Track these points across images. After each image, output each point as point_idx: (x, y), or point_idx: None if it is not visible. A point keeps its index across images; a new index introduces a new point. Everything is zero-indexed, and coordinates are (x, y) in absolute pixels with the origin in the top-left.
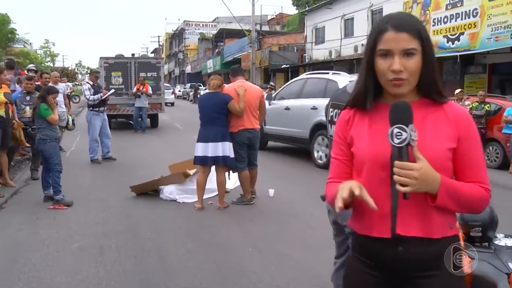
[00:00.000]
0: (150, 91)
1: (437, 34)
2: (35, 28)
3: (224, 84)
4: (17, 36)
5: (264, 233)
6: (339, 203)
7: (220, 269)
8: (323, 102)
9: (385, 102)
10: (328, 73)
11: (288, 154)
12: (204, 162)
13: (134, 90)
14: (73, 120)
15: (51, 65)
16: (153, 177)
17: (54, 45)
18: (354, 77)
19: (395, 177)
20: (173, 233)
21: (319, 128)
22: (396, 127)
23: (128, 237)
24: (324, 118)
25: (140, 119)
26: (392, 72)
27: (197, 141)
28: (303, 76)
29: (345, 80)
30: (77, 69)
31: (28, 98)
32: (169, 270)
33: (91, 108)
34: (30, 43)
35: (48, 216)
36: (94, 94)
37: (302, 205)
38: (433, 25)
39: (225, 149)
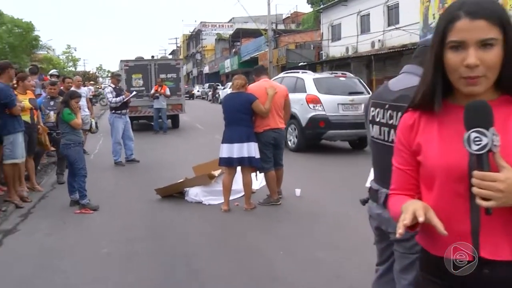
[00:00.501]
0: (168, 92)
1: None
2: (58, 34)
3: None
4: (40, 43)
5: (293, 235)
6: (400, 230)
7: (252, 277)
8: (293, 97)
9: (457, 103)
10: (298, 72)
11: (311, 151)
12: (229, 163)
13: (152, 91)
14: (96, 123)
15: (73, 69)
16: (177, 178)
17: (75, 50)
18: (318, 75)
19: (475, 189)
20: (200, 238)
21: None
22: (474, 131)
23: (155, 242)
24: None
25: (160, 120)
26: (466, 68)
27: (222, 142)
28: (280, 75)
29: (310, 77)
30: (98, 73)
31: (52, 103)
32: (199, 278)
33: (113, 111)
34: (53, 49)
35: (75, 221)
36: (116, 97)
37: (330, 204)
38: None
39: (251, 149)
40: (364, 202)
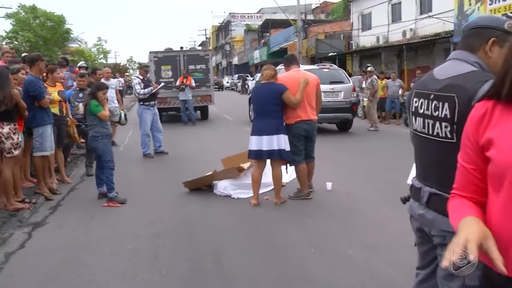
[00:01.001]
0: (193, 83)
1: (496, 13)
2: (89, 27)
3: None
4: (72, 35)
5: (324, 232)
6: (445, 263)
7: (282, 276)
8: None
9: None
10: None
11: (342, 142)
12: (259, 156)
13: (178, 83)
14: (125, 115)
15: (104, 61)
16: (205, 171)
17: (106, 42)
18: (306, 67)
19: None
20: (229, 233)
21: None
22: None
23: (182, 237)
24: None
25: (188, 111)
26: None
27: (251, 134)
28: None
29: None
30: (128, 65)
31: (81, 95)
32: (228, 276)
33: (141, 103)
34: (85, 42)
35: (102, 215)
36: (144, 88)
37: (363, 199)
38: (490, 4)
39: (281, 142)
40: (404, 200)
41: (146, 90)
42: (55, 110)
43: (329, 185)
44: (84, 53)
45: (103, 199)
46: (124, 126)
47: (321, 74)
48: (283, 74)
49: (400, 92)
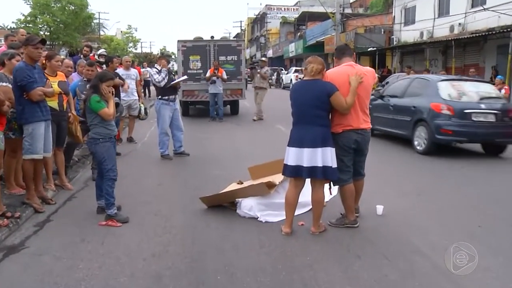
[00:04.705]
0: (224, 76)
1: None
2: (124, 16)
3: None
4: (94, 21)
5: (381, 282)
6: None
7: None
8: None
9: None
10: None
11: (393, 150)
12: (297, 173)
13: (208, 74)
14: (145, 109)
15: (134, 50)
16: (230, 179)
17: (136, 30)
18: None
19: None
20: (254, 276)
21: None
22: None
23: (191, 281)
24: None
25: (216, 105)
26: None
27: (289, 145)
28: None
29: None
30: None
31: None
32: None
33: (160, 97)
34: (107, 29)
35: (96, 238)
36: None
37: (428, 231)
38: None
39: (326, 157)
40: None
41: (160, 77)
42: (53, 103)
43: (380, 209)
44: (113, 41)
45: (102, 214)
46: (147, 120)
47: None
48: (332, 69)
49: None
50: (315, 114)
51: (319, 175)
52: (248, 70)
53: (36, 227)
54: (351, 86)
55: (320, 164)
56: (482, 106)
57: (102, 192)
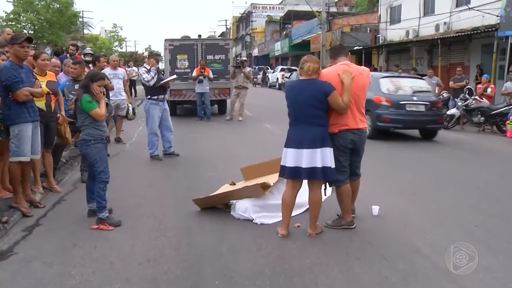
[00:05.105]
0: (211, 75)
1: None
2: (108, 15)
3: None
4: (80, 20)
5: (382, 284)
6: None
7: None
8: None
9: None
10: None
11: (381, 148)
12: (296, 175)
13: (194, 74)
14: (133, 109)
15: (119, 49)
16: (222, 180)
17: (121, 29)
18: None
19: None
20: (252, 280)
21: None
22: None
23: (189, 286)
24: None
25: (203, 105)
26: None
27: (286, 146)
28: None
29: None
30: (146, 54)
31: (77, 86)
32: None
33: (149, 96)
34: (93, 28)
35: (88, 242)
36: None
37: (426, 231)
38: None
39: (326, 157)
40: None
41: (149, 76)
42: (40, 104)
43: (375, 210)
44: (98, 40)
45: (93, 217)
46: (135, 120)
47: None
48: (328, 69)
49: (436, 90)
50: (312, 114)
51: (319, 176)
52: (233, 67)
53: (25, 232)
54: (344, 84)
55: (319, 165)
56: (415, 98)
57: (93, 195)
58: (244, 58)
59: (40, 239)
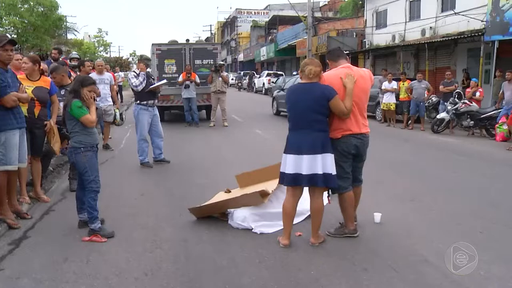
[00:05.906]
0: (198, 79)
1: None
2: (92, 20)
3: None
4: (65, 24)
5: None
6: None
7: None
8: None
9: None
10: None
11: (388, 151)
12: (296, 182)
13: (180, 79)
14: (121, 114)
15: (104, 54)
16: (216, 187)
17: (107, 34)
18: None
19: None
20: None
21: None
22: None
23: None
24: None
25: (191, 110)
26: None
27: (286, 152)
28: None
29: None
30: (132, 59)
31: (63, 92)
32: None
33: (138, 102)
34: (78, 32)
35: (80, 256)
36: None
37: (431, 239)
38: None
39: (327, 163)
40: None
41: (138, 81)
42: (22, 110)
43: (377, 217)
44: (83, 45)
45: (84, 228)
46: (122, 126)
47: None
48: (329, 72)
49: (425, 94)
50: (313, 119)
51: (320, 183)
52: (212, 71)
53: (12, 246)
54: (347, 88)
55: (320, 172)
56: None
57: (84, 205)
58: (222, 62)
59: (29, 253)
